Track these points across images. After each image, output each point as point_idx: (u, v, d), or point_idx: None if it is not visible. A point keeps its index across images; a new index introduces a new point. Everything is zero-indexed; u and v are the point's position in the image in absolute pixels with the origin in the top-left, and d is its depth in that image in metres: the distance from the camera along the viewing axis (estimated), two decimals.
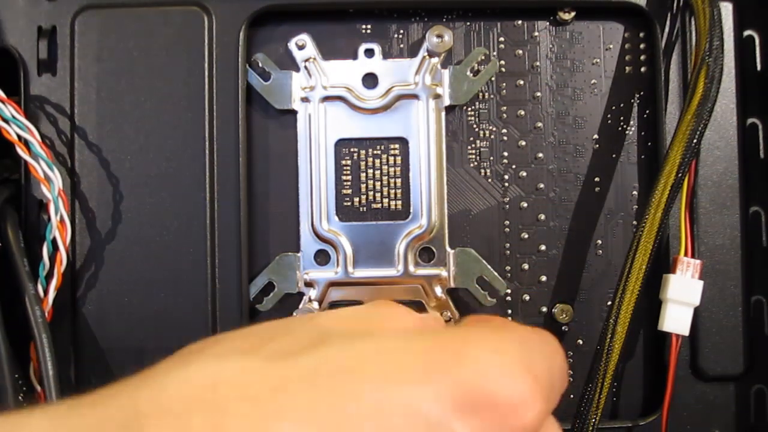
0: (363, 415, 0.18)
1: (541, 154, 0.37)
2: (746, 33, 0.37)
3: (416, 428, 0.18)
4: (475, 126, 0.37)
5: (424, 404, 0.18)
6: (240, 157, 0.35)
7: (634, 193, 0.37)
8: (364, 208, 0.37)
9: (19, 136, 0.32)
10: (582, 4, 0.37)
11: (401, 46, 0.37)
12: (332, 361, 0.19)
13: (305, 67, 0.36)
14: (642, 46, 0.37)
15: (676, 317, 0.34)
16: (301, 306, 0.36)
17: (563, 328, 0.37)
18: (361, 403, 0.18)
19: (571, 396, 0.36)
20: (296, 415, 0.18)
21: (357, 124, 0.37)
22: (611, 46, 0.37)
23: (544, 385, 0.20)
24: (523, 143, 0.37)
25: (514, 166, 0.37)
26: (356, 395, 0.18)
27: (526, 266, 0.37)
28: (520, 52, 0.37)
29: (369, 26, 0.37)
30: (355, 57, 0.37)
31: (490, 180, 0.37)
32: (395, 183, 0.37)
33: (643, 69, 0.37)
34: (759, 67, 0.37)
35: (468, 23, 0.37)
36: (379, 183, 0.37)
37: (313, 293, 0.36)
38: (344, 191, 0.37)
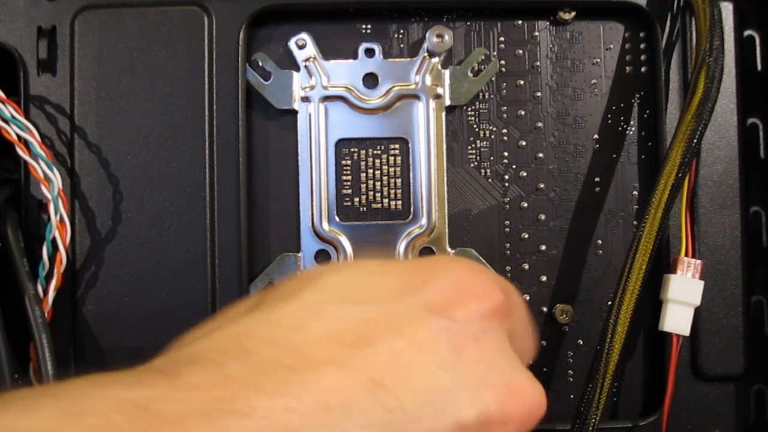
0: (360, 320, 0.22)
1: (541, 154, 0.37)
2: (746, 33, 0.37)
3: (416, 325, 0.22)
4: (475, 126, 0.37)
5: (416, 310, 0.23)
6: (240, 157, 0.35)
7: (634, 193, 0.37)
8: (365, 208, 0.37)
9: (19, 136, 0.32)
10: (582, 4, 0.37)
11: (401, 46, 0.37)
12: (332, 291, 0.23)
13: (305, 67, 0.36)
14: (642, 46, 0.37)
15: (677, 317, 0.34)
16: None
17: (563, 328, 0.37)
18: (350, 318, 0.22)
19: (571, 396, 0.36)
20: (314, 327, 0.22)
21: (357, 124, 0.37)
22: (611, 46, 0.37)
23: (496, 280, 0.25)
24: (523, 143, 0.37)
25: (514, 166, 0.37)
26: (347, 313, 0.22)
27: (526, 266, 0.37)
28: (520, 52, 0.37)
29: (369, 26, 0.37)
30: (355, 57, 0.37)
31: (490, 180, 0.37)
32: (395, 183, 0.37)
33: (643, 69, 0.37)
34: (759, 67, 0.37)
35: (468, 23, 0.37)
36: (379, 183, 0.37)
37: None
38: (344, 191, 0.37)
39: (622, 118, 0.37)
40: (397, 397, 0.20)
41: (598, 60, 0.37)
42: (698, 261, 0.34)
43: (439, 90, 0.36)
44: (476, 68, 0.37)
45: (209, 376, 0.20)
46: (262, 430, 0.19)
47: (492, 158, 0.37)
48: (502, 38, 0.37)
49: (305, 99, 0.36)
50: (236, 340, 0.21)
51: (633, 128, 0.37)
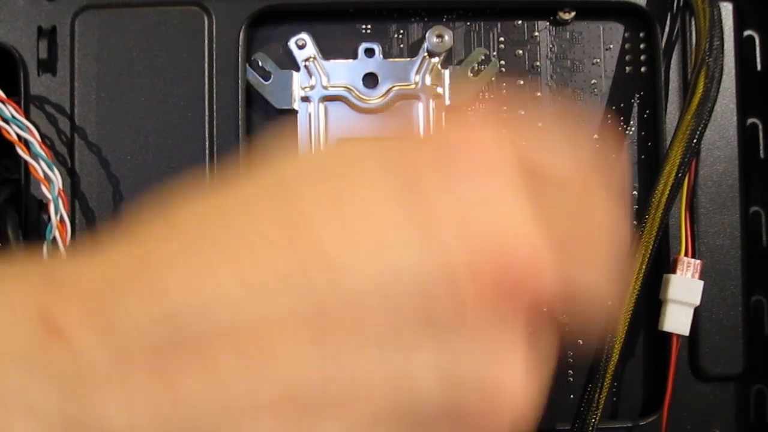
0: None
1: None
2: (746, 33, 0.37)
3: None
4: None
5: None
6: (240, 156, 0.35)
7: (634, 193, 0.37)
8: None
9: (19, 136, 0.32)
10: (582, 4, 0.37)
11: (401, 46, 0.37)
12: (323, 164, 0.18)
13: (305, 67, 0.36)
14: (642, 46, 0.37)
15: (677, 317, 0.34)
16: None
17: (563, 328, 0.37)
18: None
19: (571, 396, 0.36)
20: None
21: (357, 124, 0.37)
22: (611, 46, 0.37)
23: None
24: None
25: None
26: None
27: None
28: (520, 52, 0.37)
29: (369, 26, 0.37)
30: (355, 57, 0.37)
31: None
32: None
33: (643, 69, 0.37)
34: (759, 67, 0.37)
35: (468, 23, 0.37)
36: None
37: None
38: None
39: (622, 118, 0.37)
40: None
41: (598, 60, 0.37)
42: (698, 261, 0.34)
43: (439, 90, 0.36)
44: (476, 68, 0.37)
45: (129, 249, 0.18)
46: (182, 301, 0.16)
47: None
48: (502, 38, 0.37)
49: (305, 99, 0.36)
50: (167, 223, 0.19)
51: (633, 128, 0.37)
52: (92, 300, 0.17)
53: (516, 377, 0.17)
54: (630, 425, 0.36)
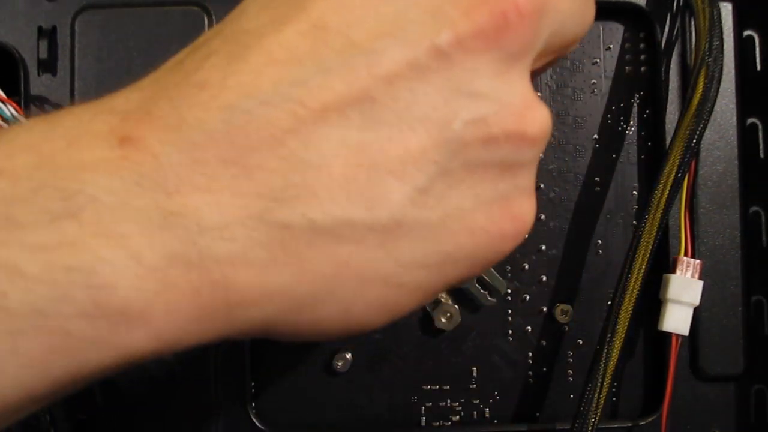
0: None
1: (540, 154, 0.37)
2: (746, 33, 0.37)
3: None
4: None
5: None
6: None
7: (634, 193, 0.37)
8: None
9: None
10: None
11: None
12: None
13: None
14: (642, 46, 0.37)
15: (676, 317, 0.34)
16: None
17: (563, 328, 0.37)
18: None
19: (571, 396, 0.36)
20: None
21: None
22: (611, 46, 0.37)
23: None
24: None
25: None
26: None
27: (526, 266, 0.37)
28: None
29: None
30: None
31: None
32: None
33: (643, 69, 0.37)
34: (759, 67, 0.37)
35: None
36: None
37: None
38: None
39: (621, 118, 0.37)
40: (346, 35, 0.19)
41: (598, 60, 0.37)
42: (698, 261, 0.34)
43: None
44: None
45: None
46: (219, 99, 0.19)
47: None
48: None
49: None
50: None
51: (633, 128, 0.37)
52: (153, 113, 0.18)
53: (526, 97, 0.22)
54: (630, 425, 0.36)
